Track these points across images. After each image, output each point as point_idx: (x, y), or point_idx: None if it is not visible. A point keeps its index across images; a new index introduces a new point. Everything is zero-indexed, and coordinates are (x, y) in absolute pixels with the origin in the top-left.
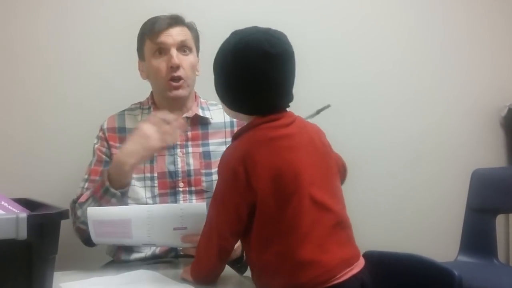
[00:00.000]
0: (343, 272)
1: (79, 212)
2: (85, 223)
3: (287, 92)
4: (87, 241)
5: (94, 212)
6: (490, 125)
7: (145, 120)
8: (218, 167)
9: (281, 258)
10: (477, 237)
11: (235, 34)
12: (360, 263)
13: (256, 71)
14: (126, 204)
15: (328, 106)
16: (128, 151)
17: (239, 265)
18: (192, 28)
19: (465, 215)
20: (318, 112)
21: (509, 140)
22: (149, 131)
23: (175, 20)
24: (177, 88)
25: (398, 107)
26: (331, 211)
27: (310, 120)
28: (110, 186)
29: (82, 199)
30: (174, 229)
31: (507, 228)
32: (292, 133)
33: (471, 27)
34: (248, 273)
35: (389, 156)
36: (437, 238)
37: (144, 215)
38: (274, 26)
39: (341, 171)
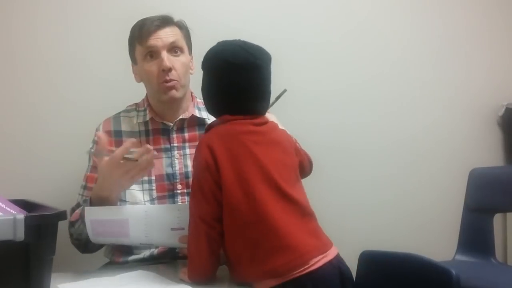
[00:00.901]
0: (317, 259)
1: (71, 230)
2: (78, 239)
3: (256, 99)
4: (84, 251)
5: (92, 211)
6: (488, 124)
7: (107, 159)
8: (193, 161)
9: (253, 245)
10: (475, 236)
11: (212, 51)
12: (334, 251)
13: (223, 78)
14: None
15: (285, 90)
16: (101, 188)
17: None
18: (182, 26)
19: (463, 214)
20: (277, 98)
21: (507, 139)
22: (114, 173)
23: (163, 21)
24: (170, 88)
25: (395, 106)
26: (298, 203)
27: (271, 108)
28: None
29: (73, 218)
30: (172, 229)
31: (505, 227)
32: (261, 131)
33: (468, 27)
34: None
35: (387, 156)
36: (434, 237)
37: (142, 215)
38: (270, 27)
39: (307, 165)
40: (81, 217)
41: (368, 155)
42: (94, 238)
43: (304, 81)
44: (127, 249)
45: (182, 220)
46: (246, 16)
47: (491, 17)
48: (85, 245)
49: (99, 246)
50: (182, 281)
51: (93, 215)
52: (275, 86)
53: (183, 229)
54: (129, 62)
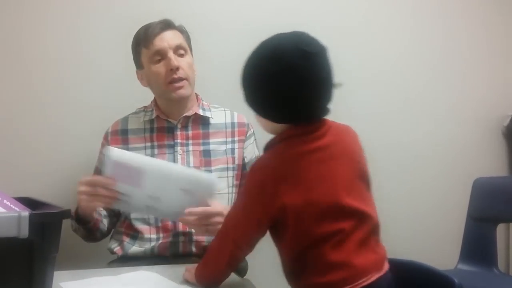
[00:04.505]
0: (372, 274)
1: (72, 222)
2: (76, 232)
3: (326, 96)
4: (86, 239)
5: (115, 152)
6: (492, 134)
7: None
8: (247, 176)
9: (313, 260)
10: (478, 245)
11: (266, 43)
12: (386, 265)
13: (298, 72)
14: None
15: (339, 84)
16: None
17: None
18: (182, 30)
19: (466, 224)
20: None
21: (511, 150)
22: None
23: (166, 24)
24: (179, 88)
25: (399, 115)
26: (369, 217)
27: None
28: (76, 221)
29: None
30: (180, 189)
31: (508, 238)
32: (326, 145)
33: (474, 36)
34: (247, 276)
35: (391, 164)
36: (437, 246)
37: (160, 169)
38: (270, 26)
39: None
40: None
41: (371, 163)
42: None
43: None
44: (128, 244)
45: (194, 184)
46: (247, 18)
47: (496, 26)
48: (82, 237)
49: (100, 236)
50: (186, 281)
51: (117, 156)
52: None
53: (193, 193)
54: None
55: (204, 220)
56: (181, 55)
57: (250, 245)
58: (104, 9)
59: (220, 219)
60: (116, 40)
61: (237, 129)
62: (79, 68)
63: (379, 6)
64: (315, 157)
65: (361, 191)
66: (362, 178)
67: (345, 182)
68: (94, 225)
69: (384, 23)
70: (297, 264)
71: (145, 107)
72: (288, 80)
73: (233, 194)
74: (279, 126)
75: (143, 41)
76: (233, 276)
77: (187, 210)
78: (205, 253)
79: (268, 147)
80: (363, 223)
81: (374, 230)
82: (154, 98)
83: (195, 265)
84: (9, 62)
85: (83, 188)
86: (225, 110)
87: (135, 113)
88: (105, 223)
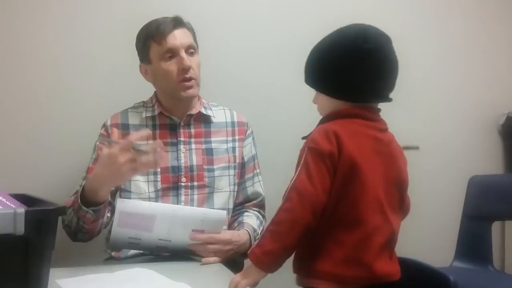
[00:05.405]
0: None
1: (63, 216)
2: (68, 226)
3: (393, 82)
4: (74, 239)
5: (123, 204)
6: (488, 133)
7: (116, 145)
8: (309, 144)
9: (337, 245)
10: (473, 243)
11: (342, 28)
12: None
13: (382, 54)
14: (103, 215)
15: (417, 148)
16: (98, 177)
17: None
18: (190, 28)
19: (461, 222)
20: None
21: (507, 148)
22: (120, 159)
23: (177, 22)
24: (189, 87)
25: (395, 113)
26: (392, 226)
27: None
28: (81, 204)
29: (67, 203)
30: (193, 230)
31: (503, 236)
32: (383, 140)
33: (470, 35)
34: None
35: None
36: (432, 243)
37: (169, 214)
38: (270, 26)
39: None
40: (73, 206)
41: None
42: (116, 228)
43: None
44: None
45: (204, 223)
46: (246, 18)
47: (493, 26)
48: (74, 233)
49: (89, 237)
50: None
51: (124, 208)
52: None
53: (203, 231)
54: (136, 61)
55: (211, 246)
56: (191, 54)
57: (320, 215)
58: (101, 5)
59: (229, 246)
60: (114, 37)
61: (237, 128)
62: (75, 65)
63: (378, 4)
64: (375, 146)
65: (395, 198)
66: (399, 189)
67: (383, 183)
68: (104, 207)
69: (383, 21)
70: (314, 243)
71: (144, 102)
72: (375, 57)
73: (234, 192)
74: (340, 107)
75: (155, 36)
76: (230, 274)
77: (191, 235)
78: (271, 228)
79: (326, 120)
80: (384, 227)
81: (390, 239)
82: (155, 94)
83: (241, 273)
84: (5, 58)
85: (126, 157)
86: (224, 109)
87: (134, 108)
88: (108, 215)
